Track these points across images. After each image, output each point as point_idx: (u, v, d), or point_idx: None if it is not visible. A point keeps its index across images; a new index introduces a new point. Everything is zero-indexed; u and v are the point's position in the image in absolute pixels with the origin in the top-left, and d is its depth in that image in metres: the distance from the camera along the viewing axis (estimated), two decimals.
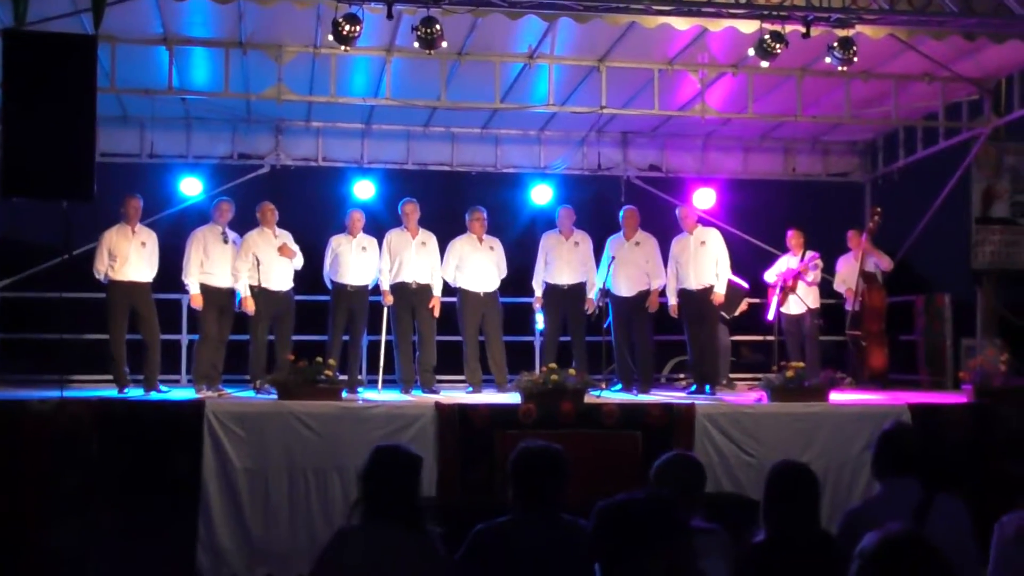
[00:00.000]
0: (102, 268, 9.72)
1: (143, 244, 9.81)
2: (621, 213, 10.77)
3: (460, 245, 10.54)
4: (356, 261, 10.31)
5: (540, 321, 10.72)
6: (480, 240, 10.51)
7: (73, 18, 8.53)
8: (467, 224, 10.55)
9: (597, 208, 11.55)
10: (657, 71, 10.70)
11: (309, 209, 11.05)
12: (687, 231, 10.59)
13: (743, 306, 11.49)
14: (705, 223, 10.96)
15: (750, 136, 13.06)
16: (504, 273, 10.58)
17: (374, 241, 10.41)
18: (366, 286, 10.36)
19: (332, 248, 10.36)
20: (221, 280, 9.98)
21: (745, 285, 11.47)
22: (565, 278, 10.55)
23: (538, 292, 10.67)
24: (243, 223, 10.25)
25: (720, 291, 10.36)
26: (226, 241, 10.06)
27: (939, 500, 4.29)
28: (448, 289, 10.54)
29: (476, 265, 10.44)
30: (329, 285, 10.39)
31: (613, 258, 10.42)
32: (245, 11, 9.19)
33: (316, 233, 10.35)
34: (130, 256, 9.71)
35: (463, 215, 10.67)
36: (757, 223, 12.44)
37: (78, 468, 7.76)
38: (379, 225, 10.82)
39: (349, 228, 10.43)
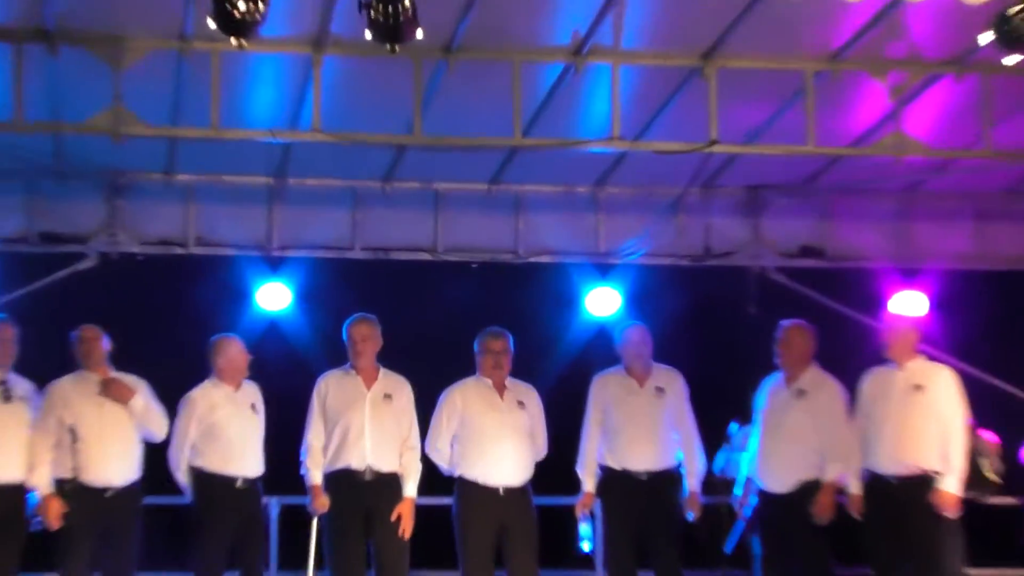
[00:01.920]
0: None
1: None
2: (777, 334, 7.33)
3: (462, 399, 7.19)
4: (244, 432, 6.92)
5: (587, 535, 7.39)
6: (500, 389, 7.10)
7: None
8: (477, 360, 7.17)
9: (707, 326, 8.28)
10: (811, 75, 7.07)
11: (171, 334, 7.66)
12: (894, 361, 7.00)
13: (996, 464, 7.84)
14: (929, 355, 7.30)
15: (987, 191, 9.25)
16: (542, 450, 7.27)
17: (259, 394, 7.08)
18: (260, 478, 6.99)
19: (193, 411, 6.83)
20: None
21: (992, 437, 7.94)
22: (641, 458, 7.27)
23: (588, 484, 7.32)
24: (46, 362, 6.95)
25: (951, 489, 6.77)
26: (8, 398, 6.73)
27: None
28: (440, 482, 7.18)
29: (491, 437, 7.12)
30: (183, 480, 6.92)
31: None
32: None
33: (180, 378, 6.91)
34: None
35: (457, 343, 7.41)
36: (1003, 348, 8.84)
37: None
38: (301, 362, 7.73)
39: (221, 372, 6.90)
